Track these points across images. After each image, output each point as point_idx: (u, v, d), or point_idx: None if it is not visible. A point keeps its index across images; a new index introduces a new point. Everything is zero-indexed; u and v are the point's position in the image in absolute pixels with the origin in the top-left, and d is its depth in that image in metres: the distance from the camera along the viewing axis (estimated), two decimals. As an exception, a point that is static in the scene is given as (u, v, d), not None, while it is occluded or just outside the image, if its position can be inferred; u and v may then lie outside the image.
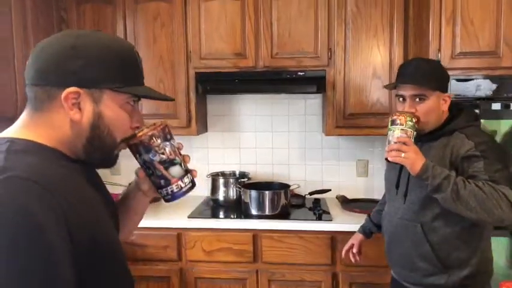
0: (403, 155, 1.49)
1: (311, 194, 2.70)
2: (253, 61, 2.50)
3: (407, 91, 1.61)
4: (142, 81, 0.92)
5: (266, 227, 2.32)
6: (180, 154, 0.99)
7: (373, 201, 2.64)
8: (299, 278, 2.31)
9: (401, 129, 1.50)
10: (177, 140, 1.01)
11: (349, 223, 2.26)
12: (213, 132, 2.92)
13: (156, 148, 0.93)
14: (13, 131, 0.84)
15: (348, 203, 2.60)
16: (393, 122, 1.54)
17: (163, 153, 0.94)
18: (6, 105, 2.13)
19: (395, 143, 1.50)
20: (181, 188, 0.98)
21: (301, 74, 2.47)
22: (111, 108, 0.85)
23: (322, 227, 2.29)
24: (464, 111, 1.67)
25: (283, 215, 2.42)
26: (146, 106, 2.57)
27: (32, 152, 0.80)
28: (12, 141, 0.81)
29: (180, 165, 0.98)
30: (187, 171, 0.99)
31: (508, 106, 2.18)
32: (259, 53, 2.50)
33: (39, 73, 0.83)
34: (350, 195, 2.73)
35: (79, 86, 0.82)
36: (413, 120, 1.52)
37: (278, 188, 2.56)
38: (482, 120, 2.01)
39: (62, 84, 0.81)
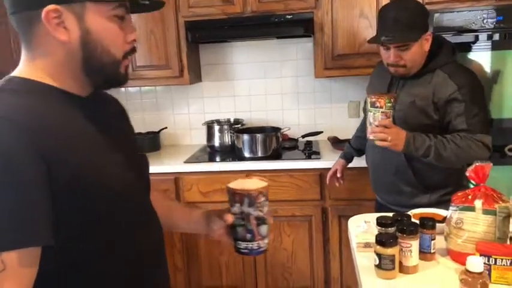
0: (388, 138, 1.60)
1: (303, 136, 2.78)
2: (240, 7, 2.52)
3: (391, 43, 1.65)
4: None
5: (258, 168, 2.42)
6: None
7: (364, 141, 2.72)
8: (291, 214, 2.43)
9: (382, 112, 1.60)
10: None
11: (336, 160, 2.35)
12: (207, 81, 2.98)
13: (258, 204, 0.98)
14: (16, 70, 0.83)
15: (338, 143, 2.68)
16: (373, 104, 1.62)
17: (261, 211, 0.98)
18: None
19: (377, 126, 1.61)
20: (260, 247, 1.01)
21: (289, 17, 2.49)
22: (98, 22, 0.79)
23: (310, 165, 2.38)
24: (444, 47, 1.73)
25: (275, 156, 2.51)
26: (139, 58, 2.64)
27: (22, 91, 0.78)
28: (9, 79, 0.81)
29: (267, 226, 1.02)
30: (268, 235, 1.03)
31: (491, 37, 2.18)
32: (247, -1, 2.52)
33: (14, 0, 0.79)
34: (342, 136, 2.80)
35: (57, 2, 0.76)
36: (392, 101, 1.61)
37: (270, 131, 2.64)
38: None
39: (38, 4, 0.76)
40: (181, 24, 2.59)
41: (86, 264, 0.81)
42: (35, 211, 0.70)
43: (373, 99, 1.62)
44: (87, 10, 0.77)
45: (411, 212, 1.45)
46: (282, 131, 2.62)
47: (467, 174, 1.23)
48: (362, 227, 1.39)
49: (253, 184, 1.00)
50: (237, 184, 1.01)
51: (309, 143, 2.74)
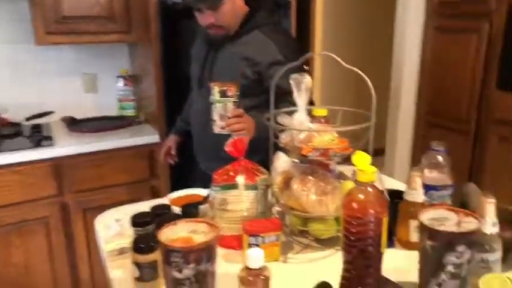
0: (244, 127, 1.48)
1: (28, 119, 2.24)
2: None
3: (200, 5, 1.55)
4: None
5: (-38, 166, 1.79)
6: None
7: (105, 119, 2.41)
8: (21, 219, 1.93)
9: (233, 102, 1.48)
10: None
11: (75, 145, 1.99)
12: None
13: (215, 256, 0.75)
14: None
15: (75, 125, 2.27)
16: (224, 94, 1.48)
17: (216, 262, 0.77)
18: None
19: (230, 117, 1.48)
20: None
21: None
22: None
23: (41, 154, 1.92)
24: (261, 7, 1.67)
25: (-11, 147, 1.92)
26: None
27: None
28: None
29: None
30: None
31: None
32: None
33: None
34: (79, 115, 2.40)
35: None
36: (238, 89, 1.49)
37: (-23, 115, 2.00)
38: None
39: None
40: None
41: None
42: None
43: (224, 88, 1.47)
44: None
45: (168, 198, 1.26)
46: (-5, 114, 2.03)
47: (225, 148, 1.13)
48: (113, 229, 1.11)
49: (181, 230, 0.77)
50: (168, 235, 0.75)
51: (36, 127, 2.21)
